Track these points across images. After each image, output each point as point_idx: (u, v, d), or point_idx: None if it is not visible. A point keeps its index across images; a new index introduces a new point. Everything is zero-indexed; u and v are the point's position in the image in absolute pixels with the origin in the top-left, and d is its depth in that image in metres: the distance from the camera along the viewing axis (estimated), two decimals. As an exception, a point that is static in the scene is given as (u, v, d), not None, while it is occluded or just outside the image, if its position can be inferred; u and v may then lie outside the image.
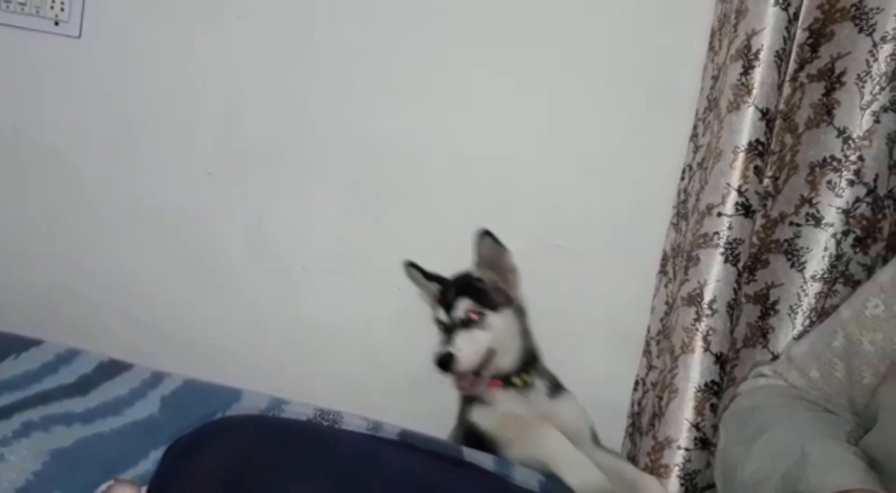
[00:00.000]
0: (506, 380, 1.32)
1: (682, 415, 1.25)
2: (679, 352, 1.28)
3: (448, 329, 1.31)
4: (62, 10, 1.57)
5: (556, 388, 1.35)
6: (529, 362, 1.34)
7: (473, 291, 1.32)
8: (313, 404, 1.38)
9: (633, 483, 1.19)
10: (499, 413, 1.29)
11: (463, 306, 1.31)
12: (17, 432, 1.06)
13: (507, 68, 1.50)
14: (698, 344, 1.25)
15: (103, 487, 0.97)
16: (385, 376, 1.57)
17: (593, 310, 1.48)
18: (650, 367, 1.40)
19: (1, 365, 1.29)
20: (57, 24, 1.58)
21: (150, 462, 1.05)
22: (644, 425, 1.39)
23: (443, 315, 1.33)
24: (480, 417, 1.30)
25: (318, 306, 1.59)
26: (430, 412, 1.52)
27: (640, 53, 1.45)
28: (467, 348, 1.27)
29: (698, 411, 1.23)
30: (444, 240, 1.54)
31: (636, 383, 1.43)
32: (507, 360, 1.32)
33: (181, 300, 1.65)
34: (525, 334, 1.35)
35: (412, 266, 1.41)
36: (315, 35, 1.55)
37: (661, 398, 1.33)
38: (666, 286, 1.40)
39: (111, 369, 1.33)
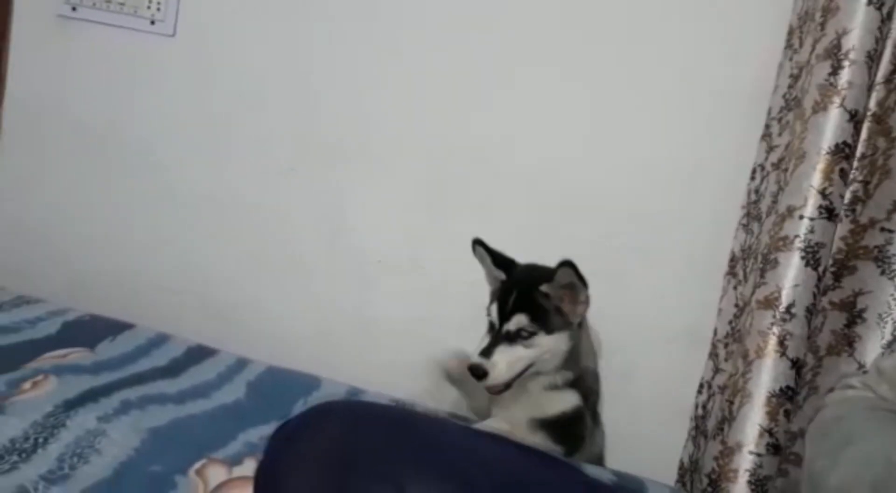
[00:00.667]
0: None
1: (755, 420, 1.23)
2: (753, 356, 1.27)
3: (494, 333, 1.24)
4: (158, 10, 1.65)
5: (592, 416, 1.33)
6: (573, 383, 1.28)
7: (533, 306, 1.24)
8: (387, 394, 1.43)
9: None
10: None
11: (516, 322, 1.22)
12: (116, 410, 1.14)
13: (573, 69, 1.51)
14: (774, 348, 1.24)
15: (197, 465, 1.03)
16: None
17: (660, 311, 1.48)
18: (717, 370, 1.39)
19: (98, 346, 1.37)
20: (153, 23, 1.66)
21: (239, 444, 1.11)
22: (711, 428, 1.38)
23: (494, 315, 1.26)
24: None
25: (389, 300, 1.63)
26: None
27: (709, 50, 1.44)
28: (504, 363, 1.20)
29: (772, 416, 1.22)
30: (512, 239, 1.54)
31: (701, 385, 1.42)
32: (545, 369, 1.26)
33: (258, 291, 1.72)
34: (573, 357, 1.27)
35: (480, 244, 1.33)
36: (393, 38, 1.58)
37: (731, 402, 1.32)
38: (735, 288, 1.38)
39: (199, 353, 1.41)
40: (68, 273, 1.80)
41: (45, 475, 0.95)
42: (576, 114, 1.52)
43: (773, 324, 1.24)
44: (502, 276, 1.31)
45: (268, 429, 1.17)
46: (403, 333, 1.64)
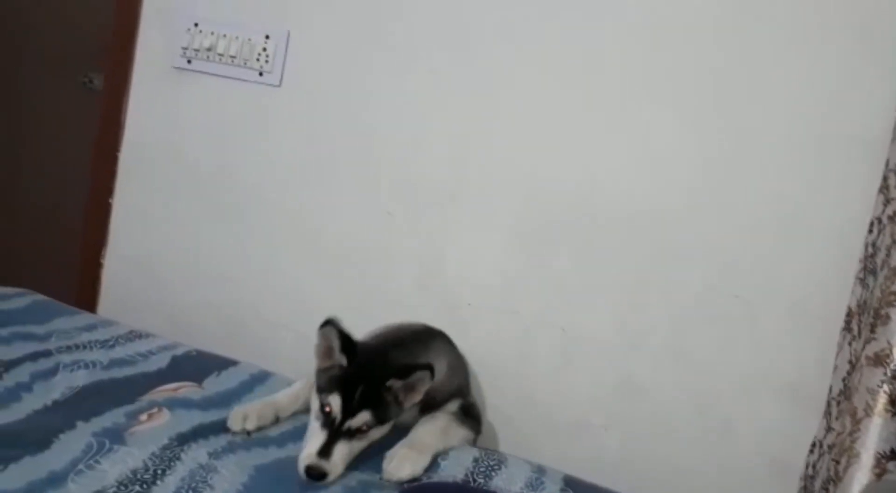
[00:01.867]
0: None
1: (862, 481, 1.18)
2: (862, 415, 1.22)
3: (332, 430, 1.19)
4: (266, 61, 1.76)
5: None
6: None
7: (376, 402, 1.22)
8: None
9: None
10: None
11: (361, 419, 1.20)
12: (224, 447, 1.20)
13: (680, 111, 1.50)
14: (883, 407, 1.19)
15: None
16: (544, 417, 1.59)
17: (770, 365, 1.43)
18: (829, 429, 1.34)
19: (205, 381, 1.45)
20: (261, 74, 1.77)
21: (339, 488, 1.15)
22: (817, 489, 1.33)
23: (336, 409, 1.19)
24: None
25: (481, 342, 1.65)
26: (590, 456, 1.54)
27: (826, 98, 1.40)
28: (341, 462, 1.17)
29: (879, 478, 1.17)
30: (612, 283, 1.56)
31: (813, 444, 1.37)
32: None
33: (355, 329, 1.76)
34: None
35: (332, 324, 1.28)
36: (491, 84, 1.62)
37: (837, 462, 1.26)
38: (850, 344, 1.33)
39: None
40: (177, 307, 1.91)
41: (165, 508, 1.01)
42: (683, 160, 1.51)
43: (882, 382, 1.19)
44: (344, 361, 1.26)
45: (364, 473, 1.21)
46: (494, 377, 1.65)
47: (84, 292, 1.97)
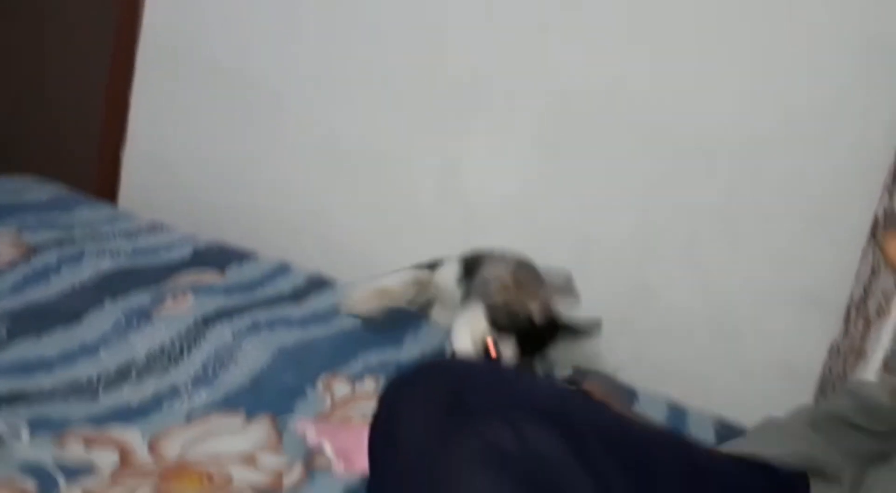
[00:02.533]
0: None
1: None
2: (874, 317, 1.24)
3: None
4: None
5: None
6: None
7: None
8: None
9: None
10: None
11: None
12: (248, 328, 1.23)
13: (703, 18, 1.46)
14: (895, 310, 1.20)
15: (324, 379, 1.11)
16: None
17: (786, 272, 1.44)
18: (846, 333, 1.36)
19: (227, 271, 1.48)
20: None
21: (359, 364, 1.19)
22: (829, 389, 1.36)
23: (508, 355, 1.23)
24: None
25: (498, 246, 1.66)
26: (603, 358, 1.58)
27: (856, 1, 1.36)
28: None
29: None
30: (632, 191, 1.55)
31: (831, 349, 1.40)
32: None
33: (372, 234, 1.78)
34: None
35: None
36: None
37: (846, 362, 1.29)
38: (873, 253, 1.34)
39: (318, 284, 1.49)
40: (197, 204, 1.92)
41: (192, 378, 1.06)
42: (707, 63, 1.47)
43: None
44: (541, 317, 1.28)
45: (384, 355, 1.25)
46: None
47: (103, 187, 1.98)
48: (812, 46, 1.40)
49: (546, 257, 1.63)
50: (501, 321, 1.23)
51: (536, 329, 1.26)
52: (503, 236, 1.66)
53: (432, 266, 1.43)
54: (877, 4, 1.35)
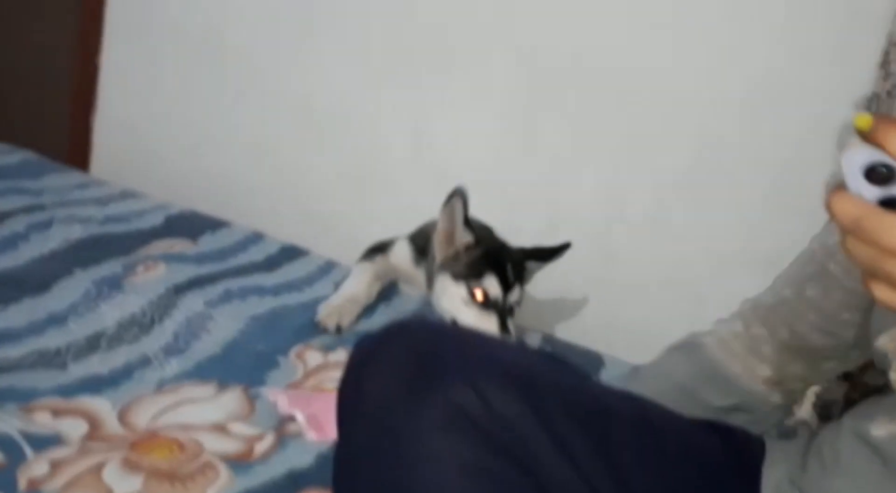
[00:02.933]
0: None
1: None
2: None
3: (498, 309, 1.21)
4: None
5: None
6: None
7: (522, 279, 1.28)
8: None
9: None
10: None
11: (517, 295, 1.25)
12: (220, 297, 1.23)
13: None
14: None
15: (296, 349, 1.12)
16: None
17: (747, 240, 1.45)
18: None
19: (200, 240, 1.47)
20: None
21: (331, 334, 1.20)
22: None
23: (495, 290, 1.21)
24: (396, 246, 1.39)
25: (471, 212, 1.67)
26: (567, 319, 1.60)
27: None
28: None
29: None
30: (600, 154, 1.56)
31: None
32: None
33: (346, 196, 1.77)
34: None
35: (460, 194, 1.28)
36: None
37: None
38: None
39: (292, 253, 1.49)
40: (167, 171, 1.90)
41: (163, 348, 1.06)
42: (676, 29, 1.47)
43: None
44: (469, 237, 1.26)
45: (356, 324, 1.25)
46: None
47: (74, 154, 1.95)
48: (779, 11, 1.40)
49: (517, 221, 1.64)
50: (478, 269, 1.23)
51: (514, 258, 1.29)
52: (475, 201, 1.67)
53: (382, 248, 1.40)
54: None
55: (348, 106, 1.73)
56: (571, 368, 0.79)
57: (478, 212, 1.67)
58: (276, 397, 0.99)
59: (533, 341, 1.34)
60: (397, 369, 0.64)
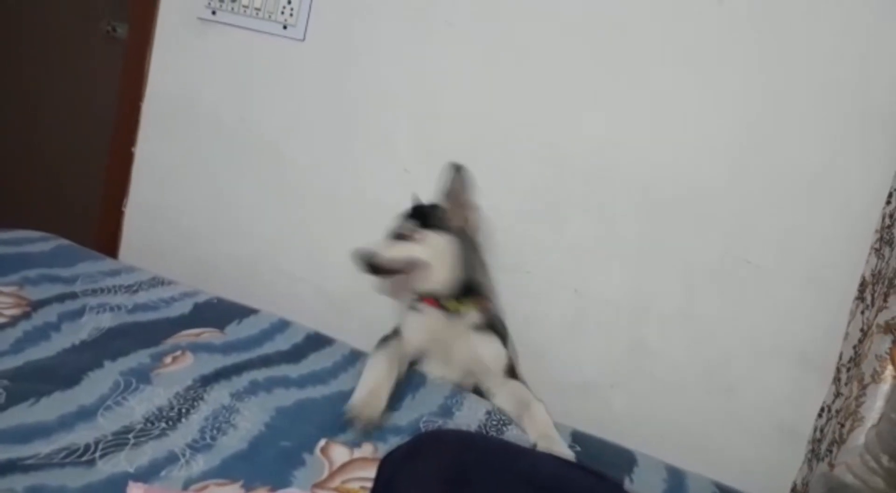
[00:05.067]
0: (438, 301, 1.43)
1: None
2: (868, 380, 1.24)
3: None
4: (290, 15, 1.76)
5: (487, 326, 1.44)
6: (468, 291, 1.43)
7: (422, 215, 1.46)
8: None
9: (525, 405, 1.33)
10: (419, 323, 1.44)
11: (405, 226, 1.44)
12: (246, 389, 1.24)
13: (703, 76, 1.50)
14: (891, 374, 1.21)
15: (321, 444, 1.11)
16: (552, 375, 1.63)
17: (780, 331, 1.46)
18: (837, 394, 1.36)
19: (227, 328, 1.48)
20: (285, 27, 1.77)
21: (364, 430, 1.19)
22: (823, 451, 1.36)
23: (397, 224, 1.45)
24: (405, 321, 1.46)
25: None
26: (597, 414, 1.58)
27: (849, 67, 1.40)
28: (389, 252, 1.40)
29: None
30: (624, 249, 1.57)
31: (822, 409, 1.40)
32: (438, 279, 1.42)
33: (365, 281, 1.79)
34: (467, 264, 1.44)
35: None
36: (510, 43, 1.62)
37: (842, 425, 1.29)
38: (863, 313, 1.35)
39: (317, 341, 1.50)
40: (197, 256, 1.94)
41: (190, 444, 1.05)
42: (703, 125, 1.51)
43: (891, 349, 1.21)
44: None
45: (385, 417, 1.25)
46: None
47: (105, 239, 2.00)
48: (805, 110, 1.44)
49: (543, 308, 1.65)
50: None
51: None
52: (498, 288, 1.68)
53: (394, 334, 1.46)
54: (867, 73, 1.39)
55: (375, 195, 1.77)
56: (609, 482, 0.78)
57: (504, 298, 1.69)
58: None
59: (563, 438, 1.31)
60: (433, 481, 0.64)
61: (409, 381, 1.39)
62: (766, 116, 1.46)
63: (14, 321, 1.30)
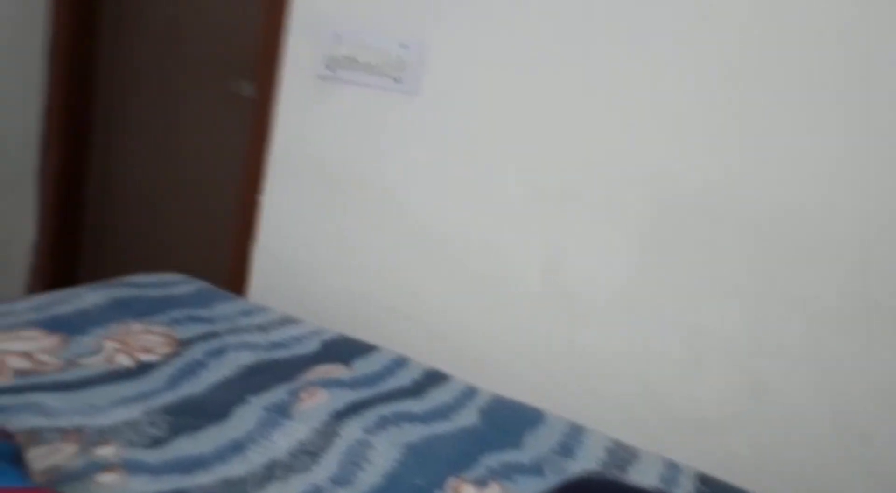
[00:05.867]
0: None
1: None
2: None
3: None
4: (404, 71, 1.87)
5: None
6: None
7: None
8: (607, 434, 1.50)
9: None
10: None
11: None
12: (376, 424, 1.32)
13: (814, 106, 1.48)
14: None
15: (452, 483, 1.17)
16: (668, 414, 1.63)
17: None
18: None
19: (352, 364, 1.58)
20: (399, 82, 1.88)
21: (482, 467, 1.24)
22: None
23: None
24: None
25: (604, 339, 1.70)
26: (716, 455, 1.56)
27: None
28: None
29: None
30: (740, 286, 1.56)
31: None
32: None
33: (474, 320, 1.86)
34: None
35: None
36: (618, 81, 1.67)
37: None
38: None
39: (435, 377, 1.56)
40: (317, 294, 2.07)
41: (332, 478, 1.14)
42: (817, 157, 1.48)
43: None
44: None
45: (505, 455, 1.30)
46: (616, 373, 1.69)
47: (235, 279, 2.16)
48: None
49: (655, 351, 1.66)
50: None
51: None
52: (609, 329, 1.71)
53: None
54: None
55: (482, 235, 1.84)
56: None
57: (610, 337, 1.71)
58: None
59: (689, 480, 1.32)
60: None
61: (525, 416, 1.44)
62: (882, 145, 1.43)
63: (168, 359, 1.44)
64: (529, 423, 1.42)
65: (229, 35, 2.37)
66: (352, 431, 1.28)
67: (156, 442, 1.14)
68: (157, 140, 2.55)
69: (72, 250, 2.71)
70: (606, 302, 1.71)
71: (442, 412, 1.42)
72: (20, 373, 1.23)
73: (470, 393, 1.52)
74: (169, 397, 1.30)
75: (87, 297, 1.60)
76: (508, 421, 1.42)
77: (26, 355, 1.31)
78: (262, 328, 1.69)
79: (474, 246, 1.86)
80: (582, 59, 1.69)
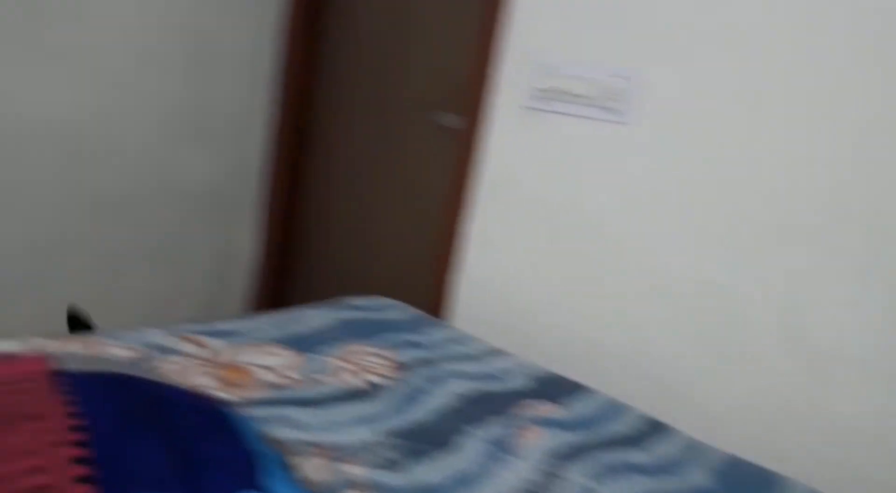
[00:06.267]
0: None
1: None
2: None
3: None
4: (616, 100, 1.84)
5: None
6: None
7: None
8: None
9: None
10: None
11: None
12: (602, 472, 1.26)
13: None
14: None
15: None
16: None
17: None
18: None
19: (563, 403, 1.53)
20: (609, 111, 1.85)
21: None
22: None
23: None
24: None
25: (854, 405, 1.53)
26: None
27: None
28: None
29: None
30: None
31: None
32: None
33: (705, 372, 1.75)
34: None
35: None
36: (857, 111, 1.52)
37: None
38: None
39: (656, 427, 1.48)
40: (525, 328, 2.06)
41: (567, 523, 1.10)
42: None
43: None
44: None
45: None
46: (874, 445, 1.52)
47: (434, 309, 2.20)
48: None
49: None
50: None
51: None
52: (854, 392, 1.53)
53: None
54: None
55: (706, 278, 1.74)
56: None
57: (870, 409, 1.53)
58: None
59: None
60: None
61: (765, 481, 1.32)
62: None
63: (392, 382, 1.48)
64: (769, 489, 1.30)
65: (438, 70, 2.46)
66: (575, 476, 1.23)
67: (393, 464, 1.16)
68: (367, 170, 2.69)
69: (286, 272, 2.92)
70: (853, 364, 1.54)
71: (667, 468, 1.33)
72: (273, 386, 1.32)
73: (697, 449, 1.42)
74: (397, 421, 1.33)
75: (316, 317, 1.69)
76: (745, 485, 1.30)
77: (269, 369, 1.41)
78: (473, 358, 1.70)
79: (697, 290, 1.76)
80: (812, 91, 1.57)
